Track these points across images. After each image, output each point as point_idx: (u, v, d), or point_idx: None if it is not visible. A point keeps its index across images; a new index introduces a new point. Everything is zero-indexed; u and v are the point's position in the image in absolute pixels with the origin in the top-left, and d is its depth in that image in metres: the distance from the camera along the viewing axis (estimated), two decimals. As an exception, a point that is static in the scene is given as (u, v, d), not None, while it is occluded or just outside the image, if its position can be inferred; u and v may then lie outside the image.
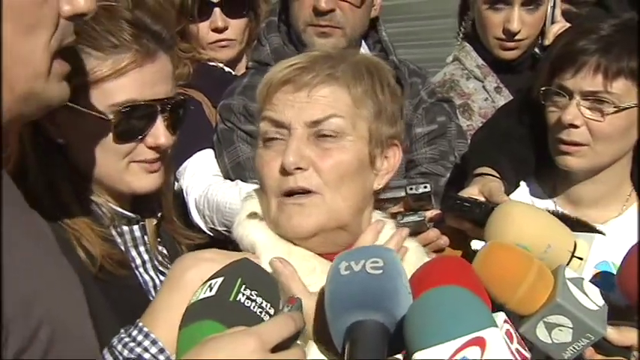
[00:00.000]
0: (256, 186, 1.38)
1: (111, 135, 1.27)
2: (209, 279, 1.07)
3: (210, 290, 1.03)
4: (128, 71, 1.26)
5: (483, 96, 2.27)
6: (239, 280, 1.04)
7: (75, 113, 1.25)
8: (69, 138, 1.29)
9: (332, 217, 1.24)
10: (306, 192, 1.23)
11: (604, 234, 1.57)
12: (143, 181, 1.33)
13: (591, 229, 1.54)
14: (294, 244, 1.26)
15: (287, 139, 1.24)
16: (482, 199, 1.58)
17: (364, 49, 2.09)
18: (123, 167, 1.31)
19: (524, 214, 1.32)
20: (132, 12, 1.28)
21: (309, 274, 1.22)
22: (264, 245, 1.25)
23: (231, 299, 1.02)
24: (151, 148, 1.32)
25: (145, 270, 1.40)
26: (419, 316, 0.95)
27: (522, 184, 1.77)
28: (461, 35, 2.37)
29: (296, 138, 1.22)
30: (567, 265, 1.27)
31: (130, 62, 1.26)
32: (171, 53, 1.34)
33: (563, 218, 1.46)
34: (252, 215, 1.30)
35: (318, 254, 1.26)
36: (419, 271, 1.14)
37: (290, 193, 1.23)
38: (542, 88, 1.65)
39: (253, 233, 1.27)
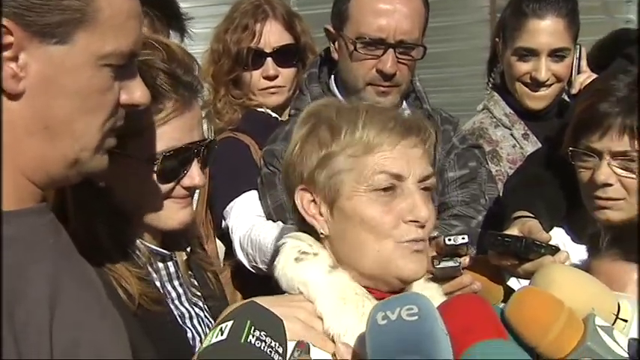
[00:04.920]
0: (290, 226, 1.34)
1: (152, 178, 1.26)
2: (218, 323, 1.03)
3: (222, 334, 1.00)
4: (170, 120, 1.26)
5: (511, 143, 2.19)
6: (248, 322, 1.01)
7: (117, 159, 1.22)
8: (109, 181, 1.27)
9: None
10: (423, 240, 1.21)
11: (560, 249, 1.51)
12: (177, 216, 1.32)
13: (551, 248, 1.49)
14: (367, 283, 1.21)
15: (399, 189, 1.20)
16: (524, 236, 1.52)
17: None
18: (160, 206, 1.30)
19: (567, 279, 1.22)
20: (167, 63, 1.28)
21: (362, 320, 1.13)
22: (318, 288, 1.19)
23: (242, 341, 0.99)
24: (186, 188, 1.31)
25: (181, 302, 1.36)
26: None
27: (555, 228, 1.71)
28: (490, 85, 2.31)
29: (418, 193, 1.21)
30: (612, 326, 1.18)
31: (171, 111, 1.26)
32: (199, 100, 1.36)
33: (521, 239, 1.45)
34: (304, 254, 1.23)
35: (372, 290, 1.22)
36: (446, 311, 1.08)
37: (414, 240, 1.20)
38: (570, 149, 1.59)
39: (305, 274, 1.21)
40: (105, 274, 1.21)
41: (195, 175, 1.31)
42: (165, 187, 1.28)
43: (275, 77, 2.14)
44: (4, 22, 0.85)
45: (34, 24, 0.87)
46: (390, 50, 1.85)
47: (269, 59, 2.13)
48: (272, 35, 2.13)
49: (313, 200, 1.24)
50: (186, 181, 1.30)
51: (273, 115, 2.17)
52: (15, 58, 0.87)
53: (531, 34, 2.11)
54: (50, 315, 0.87)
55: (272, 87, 2.15)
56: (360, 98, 1.79)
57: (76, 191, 1.25)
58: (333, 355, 1.13)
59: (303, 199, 1.25)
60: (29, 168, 0.92)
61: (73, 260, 0.97)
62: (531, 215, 1.62)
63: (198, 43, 2.21)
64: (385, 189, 1.19)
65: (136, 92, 0.99)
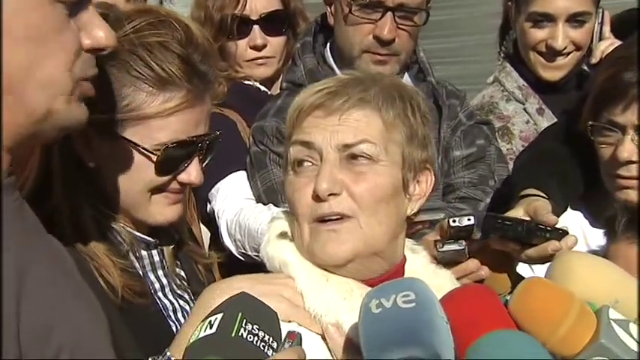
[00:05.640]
0: (283, 209, 1.36)
1: (147, 169, 1.28)
2: (207, 316, 1.04)
3: (211, 327, 1.01)
4: (178, 111, 1.27)
5: (524, 118, 2.19)
6: (239, 314, 1.03)
7: (114, 142, 1.26)
8: (100, 163, 1.29)
9: (367, 242, 1.20)
10: (340, 217, 1.20)
11: (567, 233, 1.49)
12: (165, 212, 1.33)
13: (558, 232, 1.47)
14: (326, 270, 1.22)
15: (318, 164, 1.21)
16: (527, 219, 1.52)
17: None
18: (147, 198, 1.31)
19: (587, 269, 1.21)
20: (184, 47, 1.27)
21: (346, 296, 1.18)
22: (297, 268, 1.22)
23: (232, 335, 1.00)
24: (180, 183, 1.32)
25: (164, 294, 1.38)
26: None
27: (570, 209, 1.70)
28: (501, 55, 2.30)
29: (328, 163, 1.20)
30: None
31: (180, 103, 1.27)
32: (212, 92, 1.36)
33: (523, 223, 1.43)
34: (283, 235, 1.27)
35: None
36: (449, 303, 1.09)
37: (323, 220, 1.20)
38: (590, 123, 1.58)
39: (285, 254, 1.24)
40: (85, 262, 1.23)
41: (193, 171, 1.32)
42: (159, 180, 1.29)
43: (263, 47, 2.14)
44: None
45: None
46: (389, 14, 1.84)
47: (256, 27, 2.13)
48: (258, 1, 2.13)
49: None
50: (182, 177, 1.32)
51: (262, 88, 2.18)
52: None
53: None
54: (17, 300, 0.88)
55: (260, 57, 2.15)
56: (354, 69, 1.80)
57: (65, 168, 1.27)
58: (323, 337, 1.16)
59: None
60: None
61: (40, 241, 0.98)
62: (542, 195, 1.60)
63: (177, 9, 2.21)
64: (299, 162, 1.23)
65: (99, 33, 0.97)
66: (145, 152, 1.26)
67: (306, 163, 1.22)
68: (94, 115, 1.16)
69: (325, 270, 1.22)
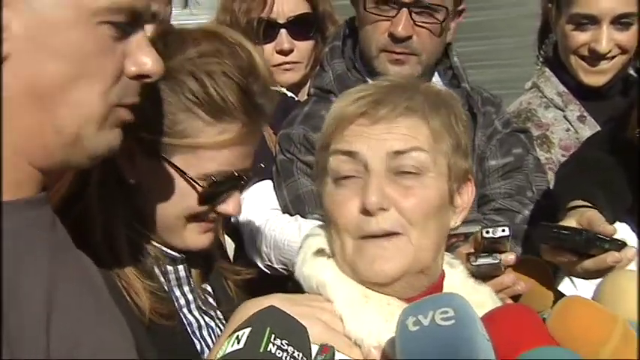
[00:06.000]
0: (317, 222, 1.37)
1: (188, 196, 1.30)
2: (235, 330, 1.05)
3: (238, 342, 1.02)
4: (230, 146, 1.30)
5: (564, 126, 2.17)
6: (268, 329, 1.03)
7: (159, 164, 1.29)
8: (141, 182, 1.32)
9: (416, 259, 1.21)
10: (389, 234, 1.20)
11: (626, 245, 1.47)
12: (198, 239, 1.37)
13: (617, 243, 1.45)
14: (369, 287, 1.23)
15: (363, 176, 1.21)
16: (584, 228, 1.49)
17: (435, 76, 2.05)
18: (183, 223, 1.34)
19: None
20: (245, 78, 1.29)
21: (388, 318, 1.18)
22: (336, 287, 1.23)
23: (261, 350, 1.01)
24: (219, 213, 1.36)
25: (190, 310, 1.41)
26: None
27: (618, 223, 1.66)
28: (540, 59, 2.29)
29: (376, 175, 1.19)
30: None
31: (236, 136, 1.29)
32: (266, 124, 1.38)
33: (581, 232, 1.41)
34: (320, 253, 1.27)
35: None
36: (489, 323, 1.09)
37: (371, 236, 1.21)
38: (639, 131, 1.56)
39: (323, 273, 1.25)
40: (113, 278, 1.26)
41: (233, 203, 1.35)
42: (198, 209, 1.32)
43: (290, 51, 2.17)
44: None
45: None
46: (404, 10, 1.85)
47: (283, 31, 2.16)
48: (286, 3, 2.16)
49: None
50: (222, 208, 1.35)
51: (289, 94, 2.21)
52: None
53: None
54: (47, 317, 0.90)
55: (286, 62, 2.18)
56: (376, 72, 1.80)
57: (104, 182, 1.30)
58: None
59: None
60: (26, 146, 0.92)
61: (69, 256, 1.00)
62: (590, 205, 1.58)
63: (203, 12, 2.25)
64: (345, 177, 1.22)
65: (145, 60, 0.97)
66: (190, 180, 1.29)
67: (348, 175, 1.22)
68: (142, 134, 1.22)
69: (366, 287, 1.22)
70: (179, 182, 1.29)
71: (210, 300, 1.46)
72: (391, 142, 1.20)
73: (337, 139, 1.24)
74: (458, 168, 1.25)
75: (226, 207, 1.35)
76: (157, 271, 1.37)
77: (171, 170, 1.29)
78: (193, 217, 1.34)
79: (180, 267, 1.41)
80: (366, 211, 1.19)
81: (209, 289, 1.47)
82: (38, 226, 0.95)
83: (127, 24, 0.95)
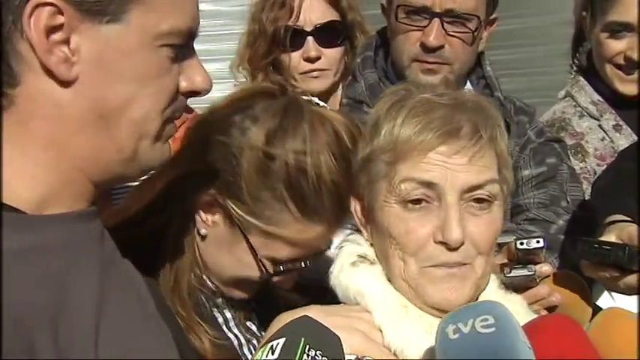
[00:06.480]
0: (348, 231, 1.37)
1: (252, 270, 1.36)
2: (269, 340, 1.06)
3: (272, 353, 1.03)
4: (310, 244, 1.34)
5: (599, 135, 2.16)
6: (302, 340, 1.04)
7: (234, 232, 1.34)
8: (211, 238, 1.37)
9: (479, 286, 1.24)
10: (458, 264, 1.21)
11: None
12: (247, 293, 1.42)
13: None
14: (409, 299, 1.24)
15: (437, 204, 1.20)
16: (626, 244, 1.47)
17: (467, 85, 2.05)
18: (237, 282, 1.40)
19: None
20: (343, 183, 1.32)
21: (428, 329, 1.19)
22: (375, 298, 1.23)
23: None
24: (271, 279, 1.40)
25: (229, 328, 1.44)
26: None
27: None
28: (574, 68, 2.28)
29: (454, 209, 1.19)
30: None
31: (318, 236, 1.34)
32: None
33: (624, 247, 1.40)
34: (360, 260, 1.27)
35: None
36: (530, 333, 1.08)
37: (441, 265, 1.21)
38: None
39: (361, 283, 1.25)
40: (173, 316, 1.30)
41: (288, 280, 1.41)
42: (257, 279, 1.38)
43: (317, 59, 2.19)
44: (54, 0, 0.89)
45: (85, 1, 0.90)
46: (436, 20, 1.86)
47: (309, 38, 2.18)
48: (313, 11, 2.18)
49: (363, 206, 1.29)
50: (278, 279, 1.40)
51: (321, 103, 2.21)
52: (66, 41, 0.91)
53: (626, 6, 2.07)
54: (96, 329, 0.92)
55: (314, 70, 2.20)
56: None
57: (181, 233, 1.35)
58: None
59: (357, 204, 1.31)
60: (86, 163, 0.97)
61: (117, 268, 1.03)
62: (629, 220, 1.57)
63: (234, 21, 2.28)
64: (415, 201, 1.21)
65: (197, 77, 1.02)
66: (259, 261, 1.33)
67: (419, 199, 1.21)
68: (231, 203, 1.28)
69: (405, 297, 1.23)
70: (247, 255, 1.34)
71: (250, 316, 1.49)
72: (469, 175, 1.20)
73: (410, 164, 1.21)
74: (510, 188, 1.27)
75: (281, 280, 1.40)
76: (216, 313, 1.41)
77: (244, 244, 1.33)
78: (248, 280, 1.38)
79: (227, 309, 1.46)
80: (445, 244, 1.19)
81: (253, 327, 1.50)
82: (90, 239, 0.98)
83: (184, 45, 1.00)
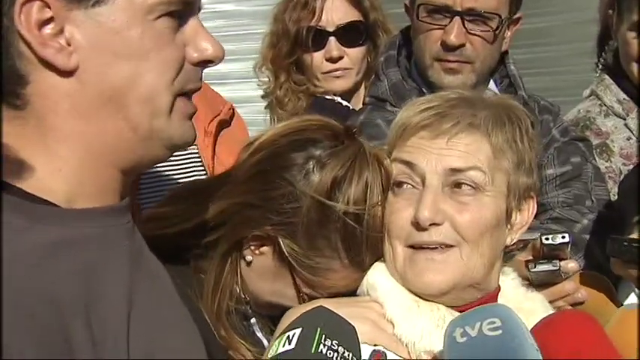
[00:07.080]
0: None
1: (290, 299, 1.38)
2: (285, 330, 1.09)
3: (289, 343, 1.06)
4: (343, 286, 1.36)
5: (625, 135, 2.15)
6: (318, 330, 1.06)
7: (281, 268, 1.36)
8: (254, 267, 1.40)
9: (466, 275, 1.24)
10: (439, 246, 1.23)
11: None
12: (275, 311, 1.42)
13: None
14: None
15: (419, 187, 1.24)
16: None
17: (491, 84, 2.06)
18: (270, 305, 1.43)
19: None
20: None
21: (439, 323, 1.21)
22: (387, 292, 1.26)
23: (312, 351, 1.04)
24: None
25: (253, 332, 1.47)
26: None
27: None
28: (600, 67, 2.27)
29: (431, 191, 1.22)
30: None
31: (353, 281, 1.35)
32: None
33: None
34: None
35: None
36: (547, 329, 1.10)
37: (421, 246, 1.24)
38: None
39: (374, 277, 1.29)
40: (212, 333, 1.34)
41: None
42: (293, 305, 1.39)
43: (339, 58, 2.21)
44: None
45: None
46: (457, 19, 1.88)
47: (332, 39, 2.20)
48: (335, 12, 2.21)
49: None
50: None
51: (344, 103, 2.24)
52: (60, 32, 0.93)
53: None
54: (127, 321, 0.95)
55: (336, 69, 2.22)
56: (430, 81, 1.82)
57: (227, 256, 1.38)
58: None
59: None
60: (106, 150, 0.98)
61: (144, 261, 1.05)
62: None
63: (256, 21, 2.30)
64: (400, 183, 1.26)
65: (205, 46, 1.00)
66: (300, 297, 1.36)
67: (405, 185, 1.26)
68: (285, 243, 1.30)
69: (416, 295, 1.26)
70: (290, 289, 1.37)
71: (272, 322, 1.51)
72: (450, 159, 1.22)
73: (399, 148, 1.28)
74: (519, 185, 1.27)
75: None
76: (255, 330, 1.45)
77: (289, 279, 1.36)
78: (282, 306, 1.40)
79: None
80: (417, 224, 1.22)
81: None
82: (121, 234, 1.01)
83: (181, 12, 0.99)
